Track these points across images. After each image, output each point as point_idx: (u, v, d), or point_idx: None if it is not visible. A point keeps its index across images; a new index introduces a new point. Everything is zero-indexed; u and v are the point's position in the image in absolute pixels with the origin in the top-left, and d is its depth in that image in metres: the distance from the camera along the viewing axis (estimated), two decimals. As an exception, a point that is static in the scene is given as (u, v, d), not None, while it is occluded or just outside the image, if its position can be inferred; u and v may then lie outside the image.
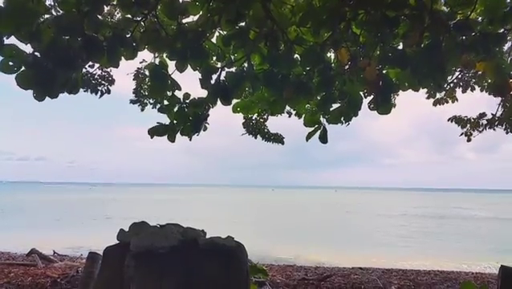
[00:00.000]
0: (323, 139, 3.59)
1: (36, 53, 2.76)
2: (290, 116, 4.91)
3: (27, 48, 2.80)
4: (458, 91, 6.84)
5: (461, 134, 7.65)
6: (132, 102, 5.78)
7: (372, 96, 3.36)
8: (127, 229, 3.35)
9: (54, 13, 2.88)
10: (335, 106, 3.51)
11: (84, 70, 4.69)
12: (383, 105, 3.30)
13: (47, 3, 3.02)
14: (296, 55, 3.36)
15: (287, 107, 4.20)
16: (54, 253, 9.83)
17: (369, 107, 3.36)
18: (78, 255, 9.63)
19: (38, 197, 52.00)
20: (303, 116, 3.72)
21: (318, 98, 3.55)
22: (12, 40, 2.72)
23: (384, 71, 3.30)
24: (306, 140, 3.77)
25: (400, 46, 3.20)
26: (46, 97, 2.87)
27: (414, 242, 16.59)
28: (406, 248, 14.54)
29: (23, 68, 2.74)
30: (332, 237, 17.85)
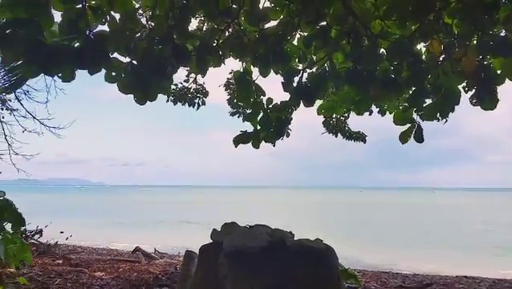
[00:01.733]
0: (419, 138, 3.34)
1: (133, 61, 3.05)
2: (370, 114, 4.69)
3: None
4: None
5: None
6: (232, 114, 6.06)
7: (474, 90, 3.05)
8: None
9: (147, 26, 3.17)
10: (428, 102, 3.27)
11: (180, 85, 5.06)
12: (487, 100, 2.96)
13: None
14: (382, 50, 3.22)
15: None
16: (156, 251, 10.66)
17: (471, 102, 3.04)
18: (176, 253, 10.29)
19: (138, 199, 56.86)
20: (393, 113, 3.52)
21: (410, 93, 3.34)
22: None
23: (486, 62, 2.99)
24: (402, 142, 3.50)
25: (503, 33, 2.88)
26: (146, 103, 3.16)
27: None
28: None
29: (123, 76, 3.05)
30: (430, 242, 16.57)
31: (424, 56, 3.27)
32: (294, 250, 3.12)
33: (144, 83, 3.07)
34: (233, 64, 3.81)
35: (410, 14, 2.79)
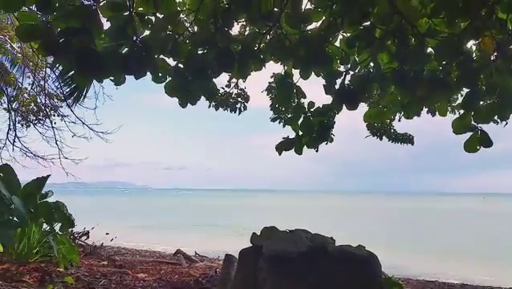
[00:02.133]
0: (486, 143, 3.12)
1: (179, 64, 3.12)
2: (418, 116, 4.51)
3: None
4: None
5: None
6: (273, 119, 6.08)
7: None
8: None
9: (190, 30, 3.24)
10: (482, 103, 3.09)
11: (222, 90, 5.14)
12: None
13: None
14: (429, 49, 3.08)
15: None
16: (196, 254, 10.82)
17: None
18: (216, 257, 10.40)
19: (179, 202, 58.14)
20: (452, 122, 3.31)
21: (462, 95, 3.17)
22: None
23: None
24: (468, 151, 3.20)
25: None
26: (188, 105, 3.22)
27: None
28: None
29: (169, 78, 3.12)
30: (480, 250, 15.66)
31: (474, 54, 3.11)
32: (336, 256, 3.04)
33: (187, 86, 3.13)
34: (274, 67, 3.80)
35: (460, 10, 2.66)
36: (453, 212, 42.72)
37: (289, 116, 3.92)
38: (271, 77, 6.50)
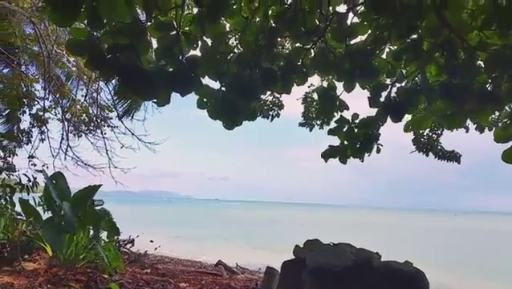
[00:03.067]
0: None
1: (222, 88, 3.19)
2: (467, 131, 4.37)
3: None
4: None
5: None
6: (301, 124, 6.12)
7: None
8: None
9: (236, 51, 3.31)
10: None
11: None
12: None
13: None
14: (479, 62, 3.00)
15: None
16: (237, 265, 10.87)
17: None
18: (256, 269, 10.40)
19: (221, 213, 58.68)
20: (494, 131, 3.24)
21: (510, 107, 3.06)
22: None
23: None
24: (505, 161, 3.20)
25: None
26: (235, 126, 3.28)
27: None
28: None
29: (213, 101, 3.20)
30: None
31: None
32: (382, 272, 2.98)
33: (232, 109, 3.19)
34: (312, 79, 3.81)
35: (513, 21, 2.58)
36: (504, 232, 40.13)
37: (334, 125, 3.89)
38: (309, 87, 6.56)
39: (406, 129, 3.83)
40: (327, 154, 3.74)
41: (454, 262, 17.22)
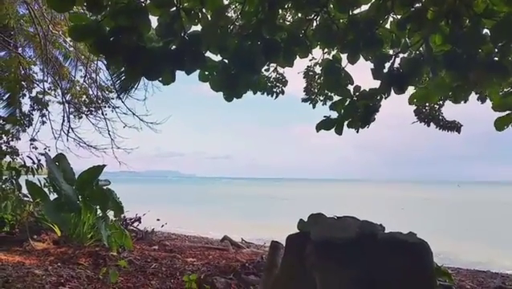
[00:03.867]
0: None
1: (225, 60, 3.16)
2: (465, 102, 4.34)
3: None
4: None
5: None
6: (304, 100, 6.06)
7: None
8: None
9: (236, 23, 3.26)
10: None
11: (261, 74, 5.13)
12: None
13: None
14: (485, 31, 2.92)
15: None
16: (242, 240, 11.04)
17: None
18: (262, 243, 10.57)
19: (225, 191, 59.25)
20: (494, 100, 3.23)
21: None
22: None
23: None
24: (497, 128, 3.28)
25: None
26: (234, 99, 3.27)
27: None
28: None
29: (215, 75, 3.17)
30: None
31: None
32: (386, 243, 3.00)
33: (233, 81, 3.16)
34: (314, 53, 3.72)
35: (521, -13, 2.50)
36: (506, 201, 40.38)
37: (336, 98, 3.84)
38: (310, 60, 6.44)
39: (411, 102, 3.78)
40: (322, 125, 3.68)
41: (457, 231, 17.44)
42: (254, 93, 3.63)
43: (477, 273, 7.70)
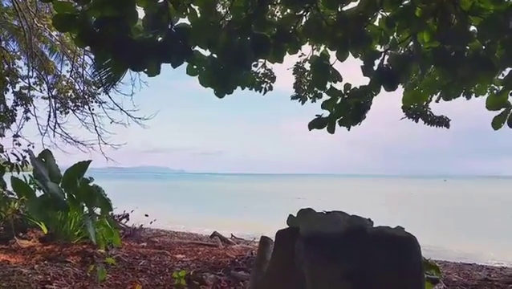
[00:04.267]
0: None
1: (214, 55, 3.14)
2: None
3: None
4: None
5: None
6: (293, 98, 6.07)
7: None
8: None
9: (226, 19, 3.24)
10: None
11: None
12: None
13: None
14: (472, 28, 2.96)
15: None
16: (232, 236, 11.05)
17: None
18: (251, 239, 10.58)
19: (215, 187, 59.17)
20: (486, 98, 3.27)
21: (505, 74, 3.06)
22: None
23: None
24: (494, 127, 3.30)
25: None
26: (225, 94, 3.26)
27: None
28: None
29: (204, 69, 3.15)
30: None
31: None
32: (374, 238, 3.03)
33: (223, 77, 3.15)
34: (303, 48, 3.73)
35: (507, -15, 2.54)
36: (493, 195, 41.18)
37: (326, 97, 3.86)
38: (299, 56, 6.45)
39: (404, 104, 3.83)
40: (314, 124, 3.70)
41: (444, 225, 17.72)
42: (243, 88, 3.62)
43: (463, 266, 7.84)
